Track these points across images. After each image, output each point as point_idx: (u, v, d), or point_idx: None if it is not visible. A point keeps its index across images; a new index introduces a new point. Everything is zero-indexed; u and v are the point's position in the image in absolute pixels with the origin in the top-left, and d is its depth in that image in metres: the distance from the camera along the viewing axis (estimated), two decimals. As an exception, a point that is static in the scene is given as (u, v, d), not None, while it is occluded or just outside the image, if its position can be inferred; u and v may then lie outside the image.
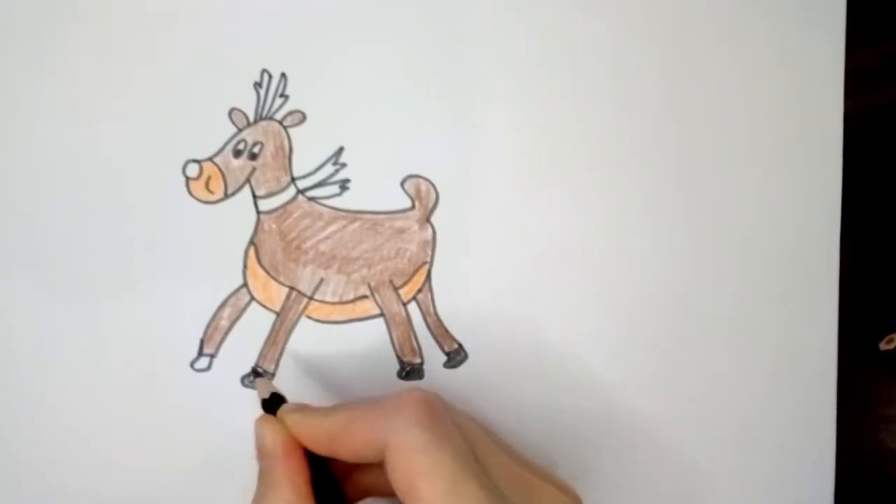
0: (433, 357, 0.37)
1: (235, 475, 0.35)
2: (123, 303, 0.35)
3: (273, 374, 0.36)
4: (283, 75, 0.36)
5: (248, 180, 0.36)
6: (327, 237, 0.36)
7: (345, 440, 0.29)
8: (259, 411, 0.32)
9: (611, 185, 0.37)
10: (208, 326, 0.36)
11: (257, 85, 0.36)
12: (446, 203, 0.37)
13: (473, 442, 0.28)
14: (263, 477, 0.30)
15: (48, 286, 0.35)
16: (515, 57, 0.37)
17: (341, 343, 0.36)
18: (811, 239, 0.38)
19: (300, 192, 0.36)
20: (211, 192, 0.36)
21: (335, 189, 0.36)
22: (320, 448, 0.29)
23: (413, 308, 0.37)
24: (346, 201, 0.36)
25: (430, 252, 0.37)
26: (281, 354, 0.36)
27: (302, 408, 0.31)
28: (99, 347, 0.35)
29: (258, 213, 0.36)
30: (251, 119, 0.36)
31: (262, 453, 0.30)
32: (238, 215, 0.36)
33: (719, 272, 0.38)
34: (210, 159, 0.36)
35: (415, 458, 0.26)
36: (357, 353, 0.36)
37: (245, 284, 0.36)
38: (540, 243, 0.37)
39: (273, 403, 0.32)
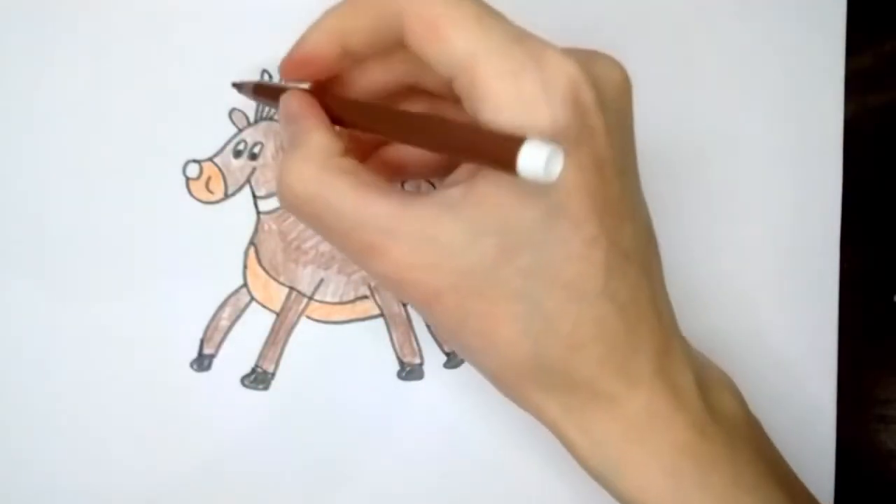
0: (433, 357, 0.36)
1: (235, 475, 0.35)
2: (123, 303, 0.35)
3: (273, 375, 0.36)
4: (284, 75, 0.36)
5: (248, 180, 0.36)
6: (327, 237, 0.36)
7: (353, 21, 0.28)
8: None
9: (611, 186, 0.37)
10: (208, 326, 0.36)
11: (257, 85, 0.36)
12: (446, 203, 0.37)
13: None
14: (293, 136, 0.28)
15: (48, 286, 0.35)
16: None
17: (341, 343, 0.36)
18: (811, 239, 0.38)
19: (300, 192, 0.36)
20: (211, 193, 0.36)
21: (335, 189, 0.36)
22: (333, 46, 0.28)
23: (413, 308, 0.37)
24: (347, 201, 0.36)
25: (430, 252, 0.37)
26: (281, 354, 0.36)
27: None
28: (99, 347, 0.35)
29: (258, 213, 0.36)
30: (251, 119, 0.36)
31: (288, 119, 0.29)
32: (238, 215, 0.36)
33: (719, 272, 0.38)
34: (210, 159, 0.36)
35: (435, 7, 0.25)
36: (357, 353, 0.36)
37: (245, 284, 0.36)
38: (540, 243, 0.37)
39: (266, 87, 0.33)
